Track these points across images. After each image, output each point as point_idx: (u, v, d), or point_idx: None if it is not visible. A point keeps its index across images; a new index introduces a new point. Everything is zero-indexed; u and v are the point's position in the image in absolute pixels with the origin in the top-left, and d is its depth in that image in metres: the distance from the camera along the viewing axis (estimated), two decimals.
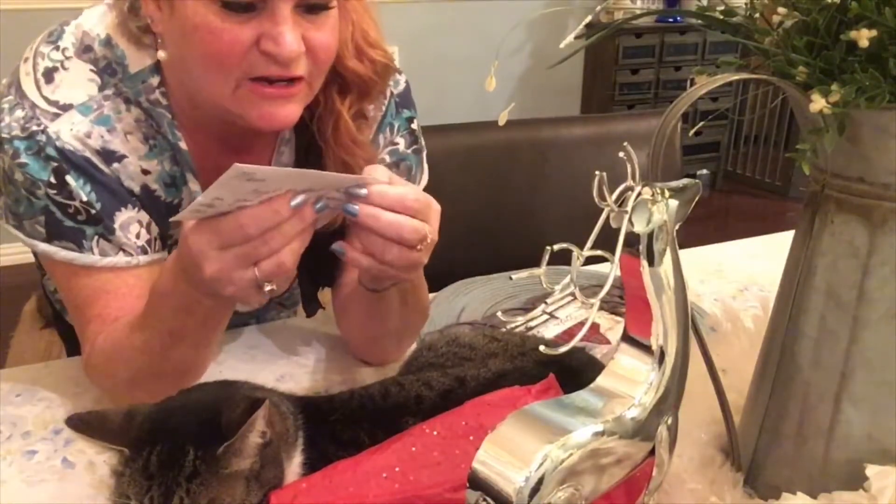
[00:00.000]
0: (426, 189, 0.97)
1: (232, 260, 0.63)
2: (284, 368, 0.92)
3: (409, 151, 0.97)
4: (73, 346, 1.14)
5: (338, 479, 0.54)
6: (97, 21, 0.83)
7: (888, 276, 0.56)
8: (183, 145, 0.84)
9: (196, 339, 0.77)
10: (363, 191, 0.66)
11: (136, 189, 0.84)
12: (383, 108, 0.94)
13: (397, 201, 0.67)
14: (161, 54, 0.79)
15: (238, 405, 0.55)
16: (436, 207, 0.72)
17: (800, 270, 0.60)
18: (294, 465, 0.59)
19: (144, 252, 0.84)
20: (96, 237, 0.81)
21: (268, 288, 0.65)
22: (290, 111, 0.77)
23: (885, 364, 0.57)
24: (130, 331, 0.78)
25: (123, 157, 0.82)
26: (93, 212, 0.81)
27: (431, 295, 1.08)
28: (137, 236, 0.83)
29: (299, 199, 0.62)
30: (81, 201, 0.80)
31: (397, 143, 0.96)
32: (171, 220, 0.82)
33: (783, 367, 0.62)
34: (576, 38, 0.62)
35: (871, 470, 0.58)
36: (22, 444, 0.78)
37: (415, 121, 0.98)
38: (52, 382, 0.89)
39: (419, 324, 0.95)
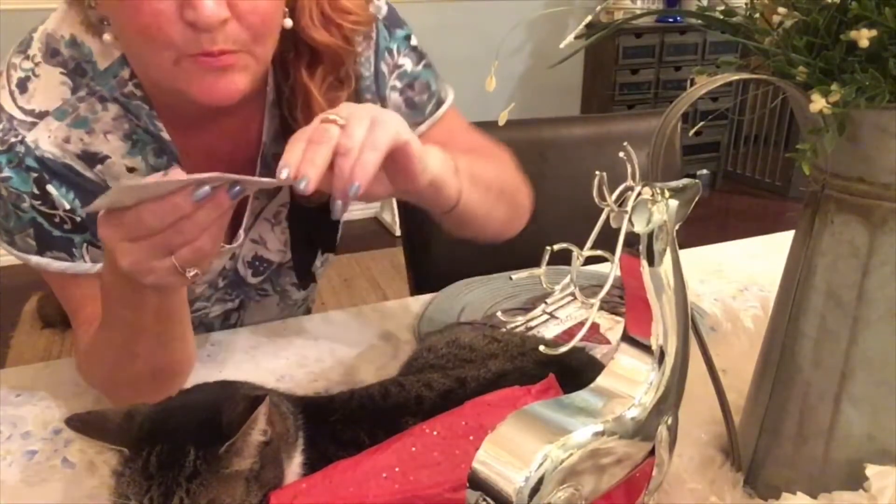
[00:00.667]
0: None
1: (144, 251, 0.61)
2: (284, 368, 0.92)
3: (419, 68, 0.93)
4: None
5: (338, 480, 0.54)
6: (60, 21, 0.81)
7: (888, 276, 0.56)
8: (165, 135, 0.83)
9: (157, 332, 0.75)
10: (283, 176, 0.62)
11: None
12: (373, 39, 0.89)
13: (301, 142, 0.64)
14: (107, 37, 0.77)
15: (238, 404, 0.55)
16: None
17: (800, 270, 0.60)
18: (294, 466, 0.59)
19: None
20: (85, 244, 0.81)
21: (191, 273, 0.63)
22: (232, 82, 0.73)
23: (885, 364, 0.57)
24: (100, 329, 0.78)
25: (106, 157, 0.82)
26: (78, 220, 0.80)
27: (431, 295, 1.08)
28: None
29: (201, 192, 0.59)
30: (65, 210, 0.80)
31: (402, 65, 0.92)
32: (84, 209, 0.78)
33: (783, 367, 0.62)
34: (576, 38, 0.62)
35: (871, 470, 0.58)
36: (22, 444, 0.78)
37: (412, 37, 0.94)
38: (52, 382, 0.89)
39: (520, 194, 0.94)
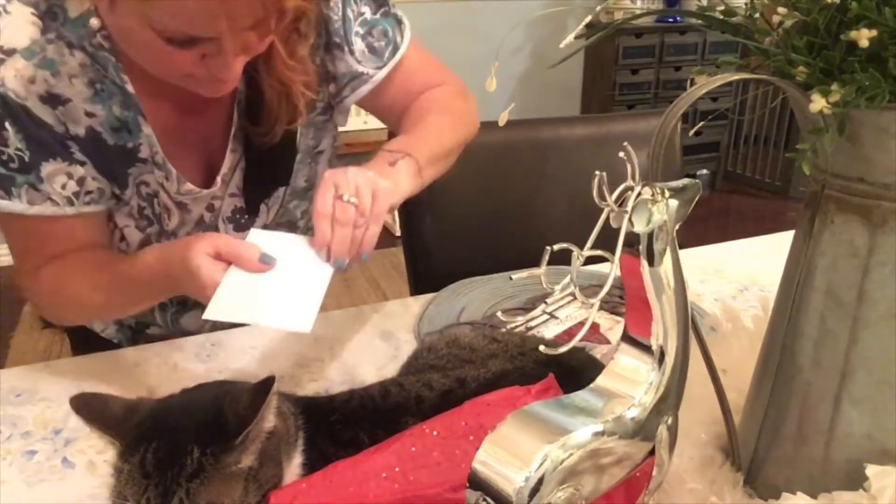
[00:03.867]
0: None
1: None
2: (284, 368, 0.92)
3: (377, 16, 0.98)
4: (77, 343, 1.14)
5: (338, 480, 0.54)
6: None
7: (888, 276, 0.56)
8: (130, 88, 0.85)
9: (158, 300, 0.89)
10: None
11: (81, 132, 0.85)
12: None
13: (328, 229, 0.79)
14: (94, 22, 0.80)
15: (243, 397, 0.55)
16: (326, 179, 0.79)
17: (800, 270, 0.60)
18: (294, 466, 0.59)
19: (71, 203, 0.86)
20: (25, 185, 0.83)
21: None
22: (231, 83, 0.82)
23: (885, 364, 0.57)
24: (91, 289, 0.87)
25: (68, 100, 0.83)
26: (25, 159, 0.82)
27: (431, 295, 1.08)
28: (63, 187, 0.85)
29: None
30: (16, 148, 0.81)
31: (364, 12, 0.97)
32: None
33: (783, 367, 0.62)
34: (576, 38, 0.62)
35: (871, 470, 0.58)
36: (22, 444, 0.78)
37: None
38: (52, 382, 0.89)
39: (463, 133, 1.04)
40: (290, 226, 1.08)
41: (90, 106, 0.84)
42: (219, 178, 0.95)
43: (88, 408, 0.58)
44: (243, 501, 0.54)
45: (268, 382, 0.55)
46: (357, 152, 2.93)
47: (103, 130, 0.86)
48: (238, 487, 0.54)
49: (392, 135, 1.05)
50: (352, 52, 0.96)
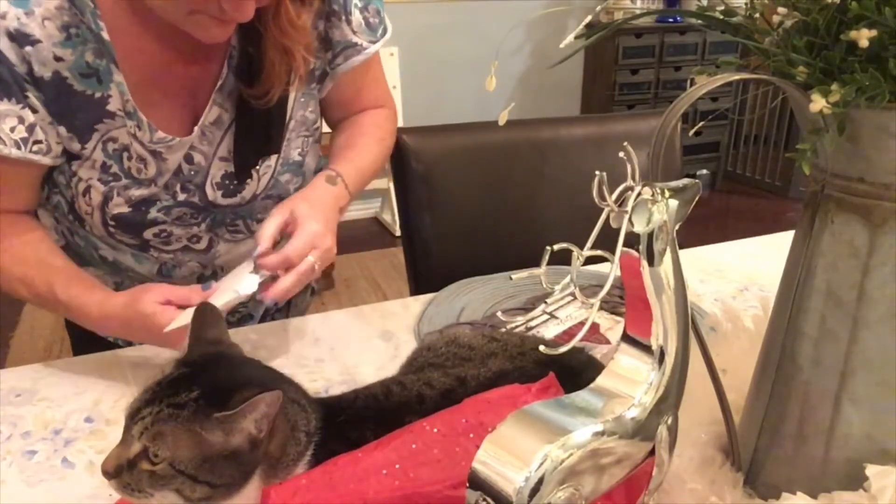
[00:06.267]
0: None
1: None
2: (284, 368, 0.91)
3: None
4: (78, 342, 1.14)
5: (338, 476, 0.54)
6: None
7: (888, 276, 0.56)
8: (105, 35, 0.85)
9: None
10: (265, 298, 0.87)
11: (48, 75, 0.85)
12: None
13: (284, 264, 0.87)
14: None
15: (255, 389, 0.55)
16: (313, 235, 0.89)
17: (800, 270, 0.60)
18: (301, 466, 0.59)
19: (18, 147, 0.86)
20: None
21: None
22: (231, 30, 0.86)
23: (885, 364, 0.57)
24: (19, 281, 0.92)
25: (37, 41, 0.83)
26: None
27: (431, 295, 1.09)
28: (12, 130, 0.85)
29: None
30: None
31: None
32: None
33: (783, 367, 0.62)
34: (576, 38, 0.62)
35: (871, 470, 0.58)
36: (22, 444, 0.78)
37: None
38: (52, 382, 0.89)
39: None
40: (279, 199, 1.05)
41: (60, 50, 0.84)
42: (196, 128, 0.95)
43: (201, 316, 0.64)
44: (191, 470, 0.54)
45: (266, 391, 0.54)
46: None
47: (70, 76, 0.85)
48: (195, 454, 0.54)
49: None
50: (349, 23, 1.01)
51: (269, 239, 0.88)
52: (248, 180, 1.01)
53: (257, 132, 0.98)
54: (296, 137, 1.03)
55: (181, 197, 0.98)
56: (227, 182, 1.00)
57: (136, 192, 0.95)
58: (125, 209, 0.95)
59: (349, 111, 1.13)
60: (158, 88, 0.92)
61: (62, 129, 0.88)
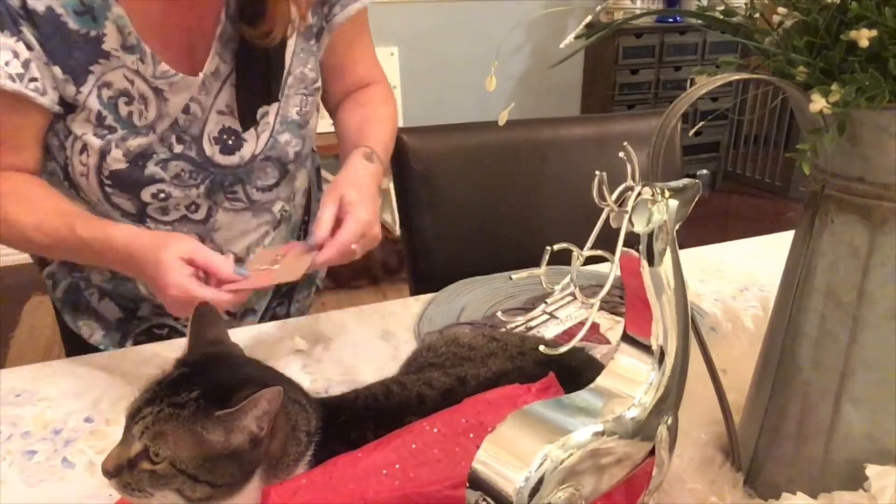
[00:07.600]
0: None
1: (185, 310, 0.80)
2: (284, 368, 0.91)
3: None
4: (72, 345, 1.14)
5: (338, 476, 0.54)
6: None
7: (888, 276, 0.56)
8: None
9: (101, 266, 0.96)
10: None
11: (41, 9, 0.84)
12: None
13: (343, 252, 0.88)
14: None
15: (255, 387, 0.55)
16: (364, 225, 0.90)
17: (800, 270, 0.60)
18: (302, 466, 0.59)
19: (13, 80, 0.85)
20: None
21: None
22: None
23: (885, 364, 0.57)
24: (34, 230, 0.89)
25: None
26: None
27: (431, 295, 1.09)
28: (7, 64, 0.84)
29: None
30: None
31: None
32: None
33: (783, 367, 0.62)
34: (576, 38, 0.62)
35: (871, 470, 0.58)
36: (22, 444, 0.78)
37: None
38: (52, 382, 0.89)
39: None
40: (279, 163, 1.05)
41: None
42: (201, 75, 0.95)
43: (200, 317, 0.64)
44: (191, 469, 0.54)
45: (266, 387, 0.54)
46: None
47: (65, 13, 0.85)
48: (196, 453, 0.54)
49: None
50: None
51: (327, 229, 0.88)
52: (246, 139, 1.00)
53: (255, 80, 0.99)
54: (294, 94, 1.03)
55: (177, 149, 0.97)
56: (224, 137, 0.99)
57: (134, 143, 0.93)
58: (122, 165, 0.94)
59: (345, 79, 1.13)
60: (158, 26, 0.91)
61: (57, 70, 0.87)
